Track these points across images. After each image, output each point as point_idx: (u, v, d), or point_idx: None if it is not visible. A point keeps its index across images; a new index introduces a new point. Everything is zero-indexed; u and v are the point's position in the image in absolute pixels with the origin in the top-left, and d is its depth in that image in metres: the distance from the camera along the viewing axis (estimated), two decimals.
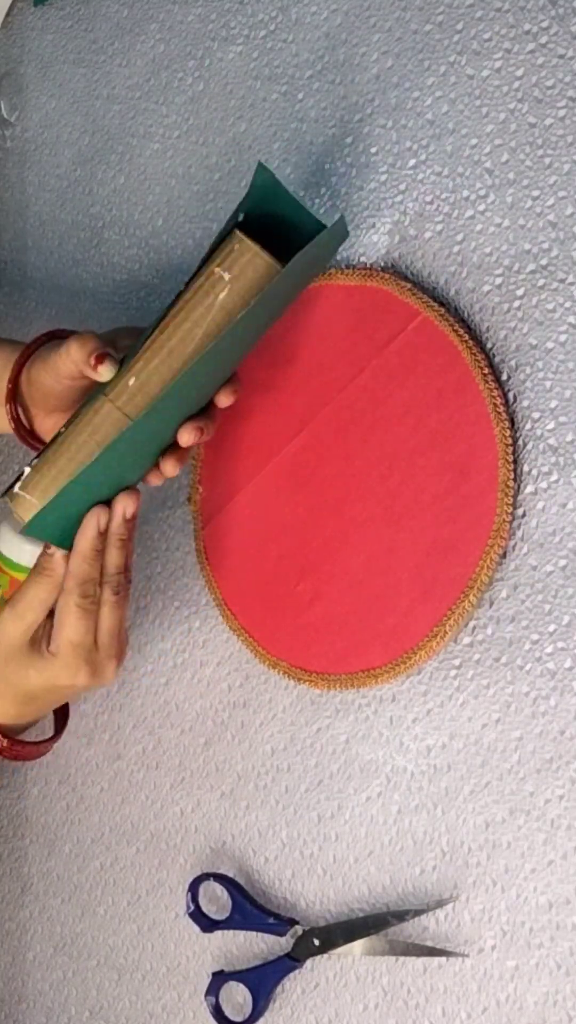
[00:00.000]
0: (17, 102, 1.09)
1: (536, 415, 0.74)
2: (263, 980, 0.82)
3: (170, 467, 0.78)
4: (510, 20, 0.77)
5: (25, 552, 0.94)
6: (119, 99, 1.00)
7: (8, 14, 1.09)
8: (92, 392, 0.78)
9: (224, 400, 0.78)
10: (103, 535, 0.76)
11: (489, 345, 0.76)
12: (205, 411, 0.78)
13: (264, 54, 0.90)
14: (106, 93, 1.02)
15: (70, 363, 0.77)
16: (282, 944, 0.82)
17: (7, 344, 0.87)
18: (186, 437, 0.76)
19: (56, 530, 0.76)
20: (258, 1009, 0.82)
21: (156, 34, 0.98)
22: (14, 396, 0.85)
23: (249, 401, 0.83)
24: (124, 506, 0.76)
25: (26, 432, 0.86)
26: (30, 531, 0.75)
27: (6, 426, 0.87)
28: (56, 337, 0.85)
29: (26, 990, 1.00)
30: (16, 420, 0.85)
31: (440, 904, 0.75)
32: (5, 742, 0.82)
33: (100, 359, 0.75)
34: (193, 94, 0.95)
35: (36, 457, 0.77)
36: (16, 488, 0.77)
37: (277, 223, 0.74)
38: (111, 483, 0.76)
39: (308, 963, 0.81)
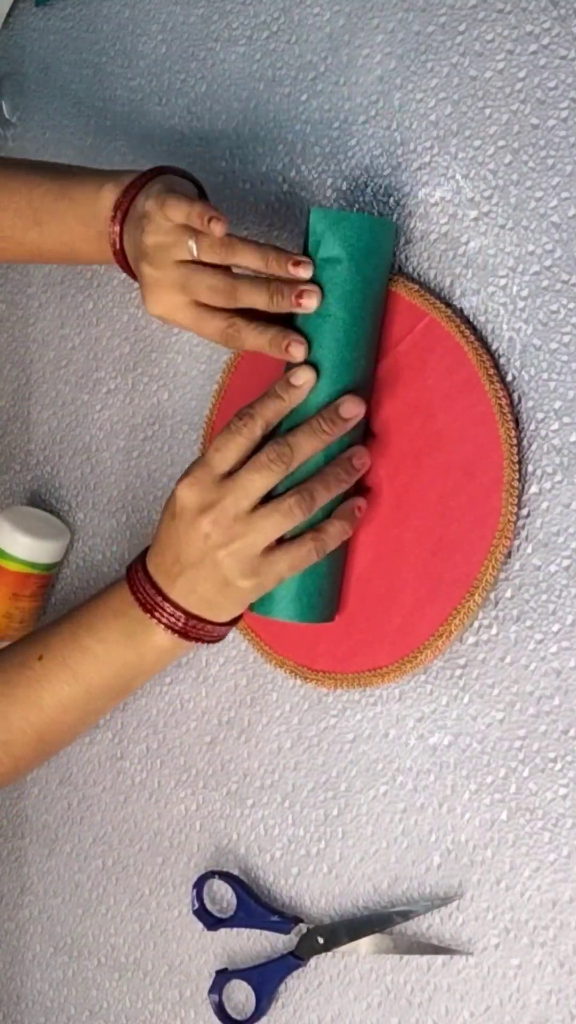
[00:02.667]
0: (19, 102, 1.09)
1: (541, 416, 0.74)
2: (266, 978, 0.82)
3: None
4: (512, 21, 0.77)
5: (20, 544, 0.95)
6: (121, 100, 1.00)
7: (9, 14, 1.09)
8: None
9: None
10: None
11: (495, 346, 0.76)
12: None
13: (267, 55, 0.90)
14: (108, 94, 1.02)
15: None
16: (286, 942, 0.83)
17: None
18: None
19: None
20: (261, 1007, 0.82)
21: (158, 35, 0.98)
22: (122, 220, 0.83)
23: None
24: (340, 403, 0.76)
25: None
26: None
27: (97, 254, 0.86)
28: (171, 172, 0.83)
29: (26, 989, 1.00)
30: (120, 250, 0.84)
31: (444, 902, 0.76)
32: (185, 620, 0.78)
33: (290, 343, 0.76)
34: (195, 95, 0.95)
35: None
36: None
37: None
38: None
39: (312, 961, 0.81)
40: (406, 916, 0.77)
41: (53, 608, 1.01)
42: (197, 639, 0.78)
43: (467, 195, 0.78)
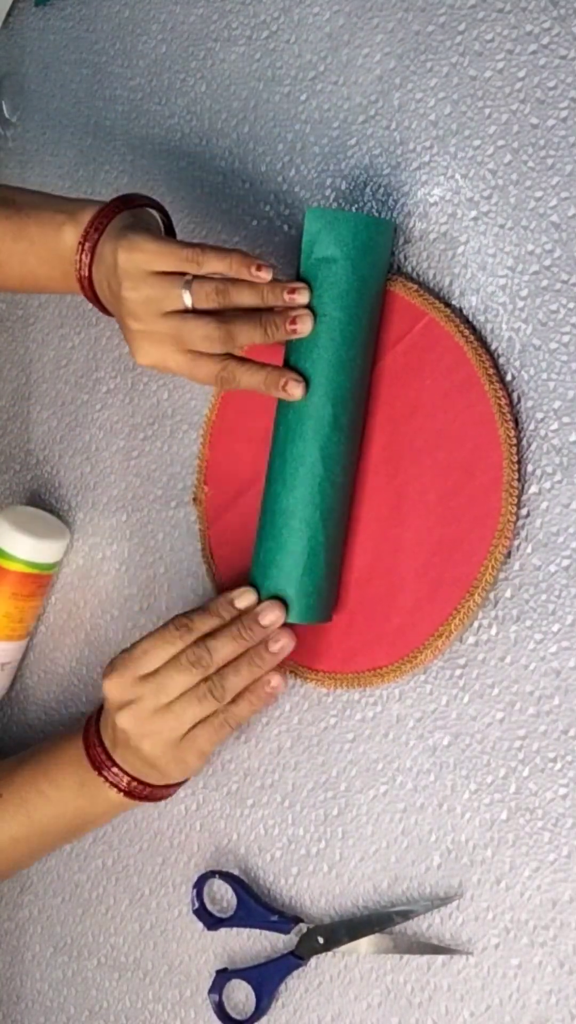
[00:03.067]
0: (18, 102, 1.08)
1: (540, 415, 0.74)
2: (267, 978, 0.82)
3: None
4: (512, 21, 0.77)
5: (20, 543, 0.95)
6: (121, 100, 1.00)
7: (9, 14, 1.09)
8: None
9: None
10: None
11: (494, 346, 0.76)
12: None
13: (266, 55, 0.90)
14: (108, 94, 1.02)
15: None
16: (286, 942, 0.83)
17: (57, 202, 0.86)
18: None
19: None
20: (261, 1007, 0.82)
21: (158, 34, 0.98)
22: (89, 262, 0.82)
23: (256, 401, 0.83)
24: (260, 611, 0.78)
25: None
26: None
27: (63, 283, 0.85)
28: (133, 205, 0.83)
29: (25, 990, 1.00)
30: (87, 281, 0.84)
31: (444, 902, 0.76)
32: (128, 781, 0.82)
33: (288, 383, 0.76)
34: (195, 95, 0.95)
35: None
36: None
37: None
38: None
39: (312, 961, 0.81)
40: (406, 916, 0.77)
41: (53, 608, 1.01)
42: (142, 798, 0.82)
43: (466, 195, 0.78)
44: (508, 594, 0.75)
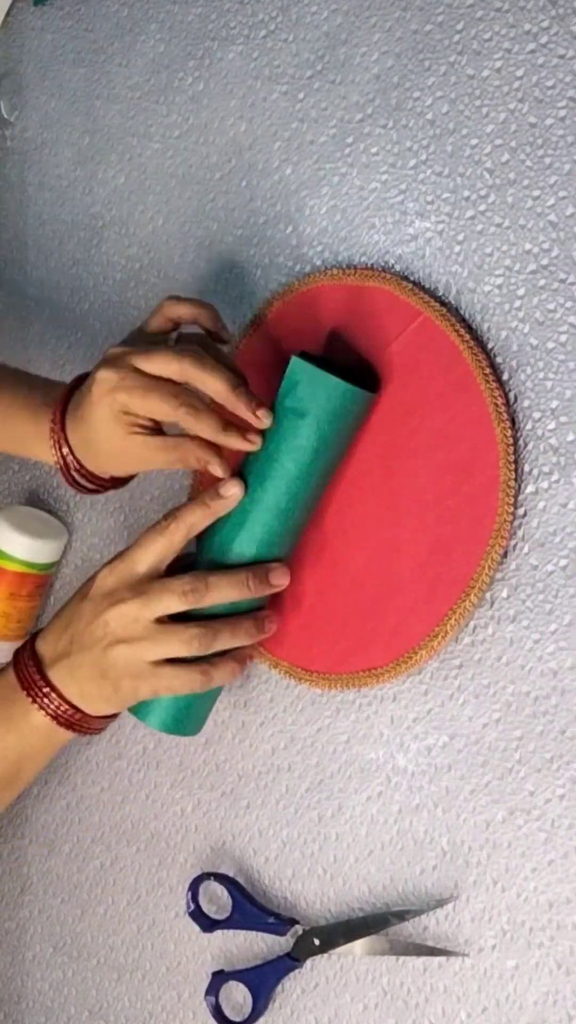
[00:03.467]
0: (17, 102, 1.08)
1: (537, 415, 0.74)
2: (263, 980, 0.82)
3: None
4: (510, 20, 0.77)
5: (17, 543, 0.95)
6: (119, 99, 1.00)
7: (8, 14, 1.09)
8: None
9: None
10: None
11: (490, 345, 0.76)
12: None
13: (264, 54, 0.90)
14: (106, 93, 1.02)
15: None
16: (282, 944, 0.82)
17: (27, 385, 0.87)
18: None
19: None
20: (258, 1009, 0.82)
21: (156, 34, 0.98)
22: (63, 428, 0.84)
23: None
24: (273, 569, 0.79)
25: (77, 473, 0.85)
26: None
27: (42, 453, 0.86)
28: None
29: (25, 990, 1.00)
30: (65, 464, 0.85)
31: (440, 904, 0.75)
32: (58, 704, 0.80)
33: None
34: (193, 94, 0.95)
35: None
36: None
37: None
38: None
39: (308, 963, 0.81)
40: (402, 917, 0.76)
41: (52, 608, 1.01)
42: (69, 726, 0.80)
43: (463, 193, 0.78)
44: (505, 594, 0.74)
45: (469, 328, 0.76)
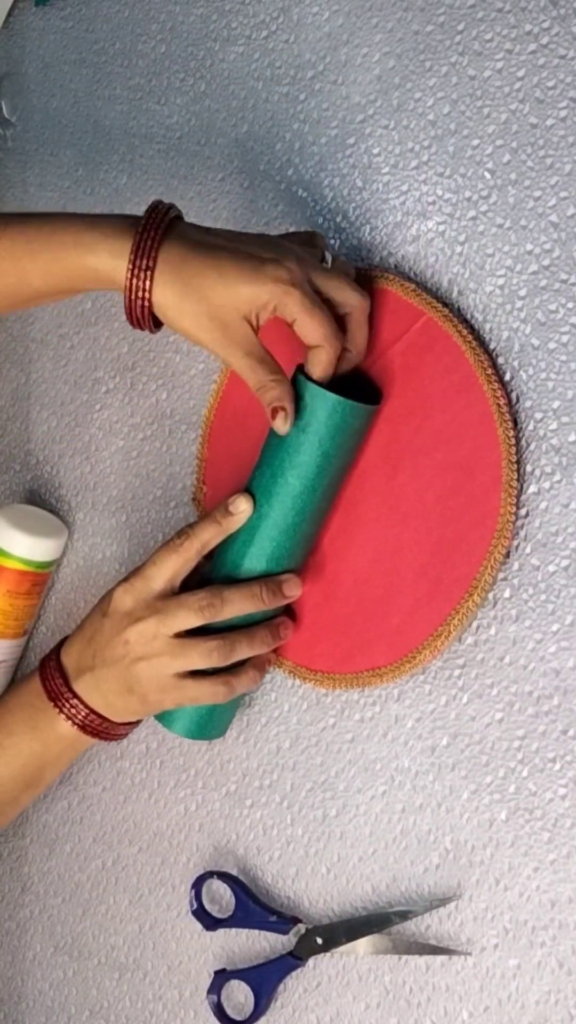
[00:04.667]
0: (18, 102, 1.08)
1: (539, 415, 0.74)
2: (265, 979, 0.82)
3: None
4: (511, 21, 0.77)
5: (16, 542, 0.95)
6: (120, 99, 1.00)
7: (9, 14, 1.09)
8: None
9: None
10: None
11: (492, 346, 0.76)
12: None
13: (266, 55, 0.90)
14: (107, 93, 1.02)
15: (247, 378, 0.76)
16: (284, 943, 0.82)
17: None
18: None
19: None
20: (260, 1008, 0.82)
21: (157, 34, 0.98)
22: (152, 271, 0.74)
23: (255, 403, 0.83)
24: (286, 581, 0.80)
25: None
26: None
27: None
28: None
29: (26, 989, 1.00)
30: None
31: (443, 903, 0.76)
32: (85, 714, 0.82)
33: (276, 412, 0.75)
34: (195, 94, 0.95)
35: None
36: None
37: None
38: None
39: (311, 962, 0.81)
40: (405, 916, 0.76)
41: (52, 607, 1.01)
42: (95, 734, 0.83)
43: (465, 194, 0.78)
44: (507, 594, 0.75)
45: (471, 329, 0.76)
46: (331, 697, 0.82)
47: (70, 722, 0.82)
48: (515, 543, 0.74)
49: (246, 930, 0.85)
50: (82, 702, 0.81)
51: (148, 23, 0.99)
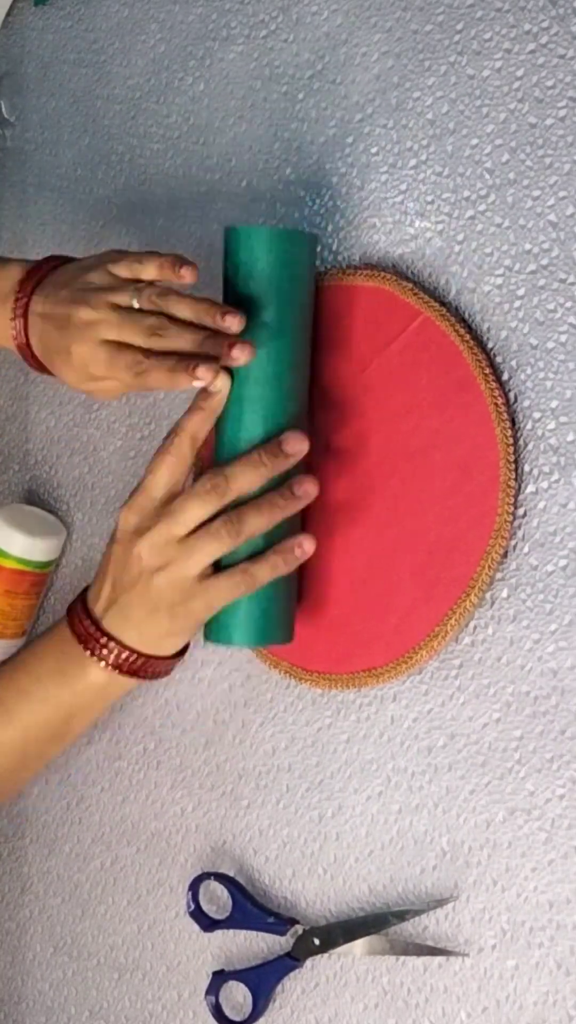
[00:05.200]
0: (17, 102, 1.09)
1: (537, 415, 0.74)
2: (263, 979, 0.82)
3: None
4: (510, 20, 0.77)
5: (15, 541, 0.95)
6: (119, 99, 1.00)
7: (8, 14, 1.09)
8: None
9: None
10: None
11: (490, 345, 0.76)
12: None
13: (265, 54, 0.90)
14: (106, 93, 1.02)
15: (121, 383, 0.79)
16: (282, 943, 0.82)
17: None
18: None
19: None
20: (258, 1009, 0.82)
21: (156, 34, 0.98)
22: (25, 313, 0.84)
23: None
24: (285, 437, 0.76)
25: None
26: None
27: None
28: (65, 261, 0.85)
29: (26, 989, 1.00)
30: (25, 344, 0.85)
31: (440, 903, 0.75)
32: (119, 652, 0.78)
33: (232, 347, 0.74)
34: (194, 94, 0.95)
35: None
36: None
37: None
38: None
39: (308, 962, 0.81)
40: (402, 917, 0.76)
41: (51, 607, 1.01)
42: (132, 673, 0.79)
43: (463, 193, 0.78)
44: (505, 594, 0.74)
45: (469, 328, 0.76)
46: (328, 698, 0.82)
47: (103, 663, 0.78)
48: (513, 543, 0.74)
49: (244, 931, 0.85)
50: (115, 640, 0.77)
51: (147, 23, 0.99)
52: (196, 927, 0.86)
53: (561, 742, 0.72)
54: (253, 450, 0.75)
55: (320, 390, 0.81)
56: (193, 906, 0.86)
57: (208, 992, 0.85)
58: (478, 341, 0.76)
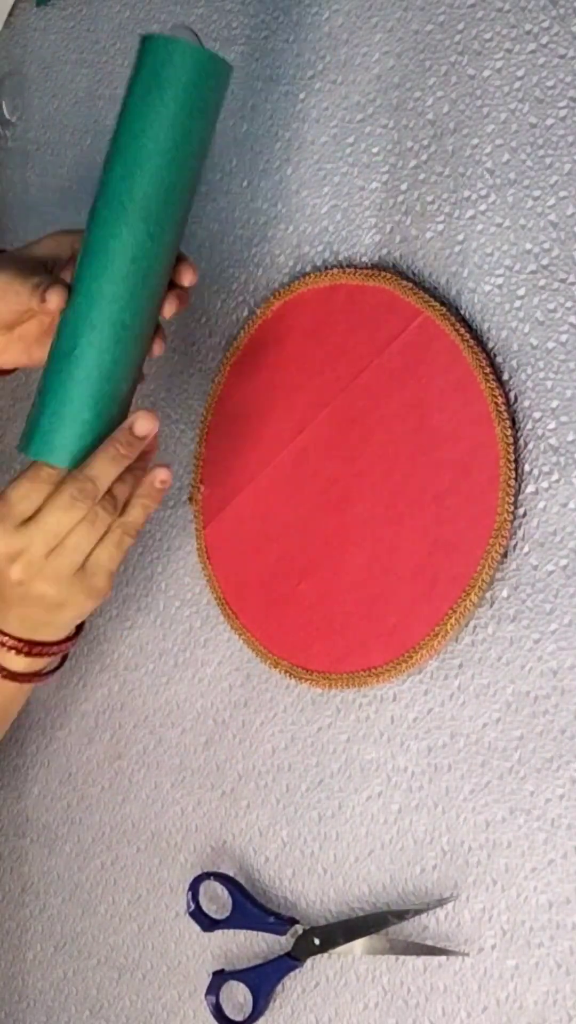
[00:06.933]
0: (19, 102, 1.09)
1: (537, 415, 0.74)
2: (263, 979, 0.82)
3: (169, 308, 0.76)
4: (511, 20, 0.77)
5: None
6: (120, 99, 1.00)
7: (10, 14, 1.09)
8: None
9: (188, 278, 0.76)
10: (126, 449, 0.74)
11: (490, 345, 0.76)
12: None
13: (266, 54, 0.90)
14: (108, 93, 1.02)
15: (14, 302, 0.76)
16: (282, 943, 0.82)
17: None
18: (187, 276, 0.75)
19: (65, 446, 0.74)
20: (258, 1008, 0.82)
21: None
22: None
23: (251, 401, 0.83)
24: (134, 421, 0.74)
25: None
26: (35, 450, 0.74)
27: None
28: None
29: (26, 989, 1.00)
30: None
31: (440, 903, 0.75)
32: (14, 643, 0.77)
33: (47, 289, 0.74)
34: None
35: None
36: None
37: None
38: (109, 367, 0.74)
39: (308, 962, 0.81)
40: (402, 917, 0.76)
41: None
42: (14, 678, 0.80)
43: (464, 193, 0.78)
44: (505, 594, 0.74)
45: (469, 328, 0.76)
46: (327, 697, 0.82)
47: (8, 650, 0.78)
48: (513, 543, 0.74)
49: (244, 931, 0.85)
50: (8, 635, 0.77)
51: (149, 23, 0.99)
52: (196, 927, 0.86)
53: (561, 742, 0.72)
54: (108, 444, 0.74)
55: (320, 390, 0.81)
56: (193, 906, 0.86)
57: (208, 992, 0.85)
58: (478, 341, 0.76)
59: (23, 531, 0.73)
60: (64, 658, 0.85)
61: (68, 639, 0.81)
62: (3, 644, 0.78)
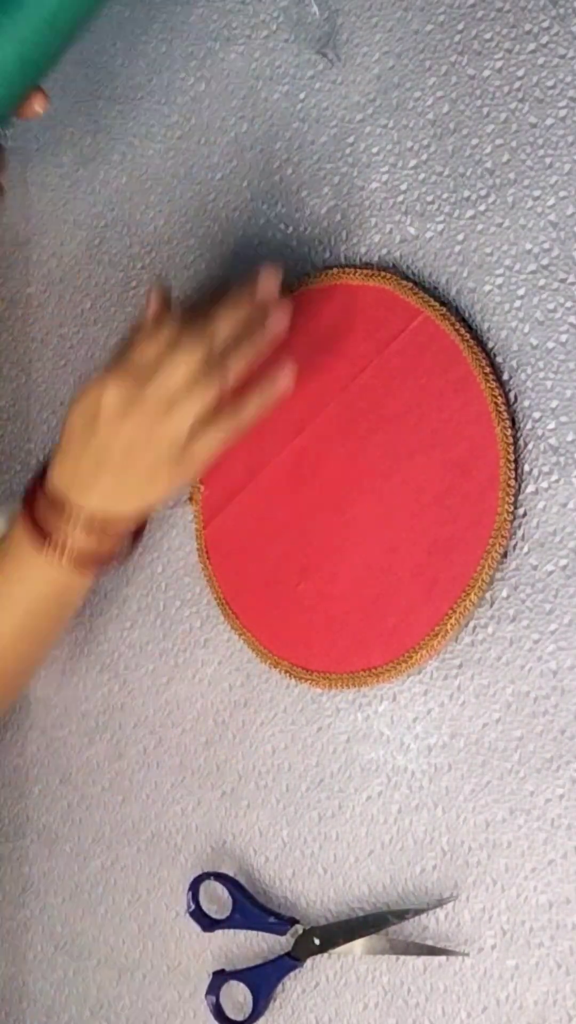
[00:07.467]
0: None
1: (537, 415, 0.74)
2: (263, 979, 0.82)
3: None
4: (511, 20, 0.77)
5: None
6: (121, 99, 1.00)
7: None
8: None
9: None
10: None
11: (490, 345, 0.76)
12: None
13: (266, 54, 0.90)
14: (107, 93, 1.02)
15: None
16: (282, 943, 0.82)
17: None
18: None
19: None
20: (258, 1008, 0.82)
21: (158, 34, 0.98)
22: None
23: None
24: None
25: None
26: None
27: None
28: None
29: (26, 989, 1.00)
30: None
31: (440, 903, 0.75)
32: (93, 519, 0.76)
33: None
34: (195, 94, 0.95)
35: None
36: None
37: None
38: None
39: (308, 962, 0.81)
40: (402, 917, 0.76)
41: None
42: (82, 564, 0.79)
43: (464, 193, 0.78)
44: (504, 594, 0.74)
45: (469, 327, 0.76)
46: (327, 697, 0.82)
47: (57, 553, 0.78)
48: (512, 543, 0.74)
49: (244, 931, 0.85)
50: (74, 512, 0.77)
51: (148, 22, 0.99)
52: (196, 927, 0.86)
53: (561, 742, 0.72)
54: (232, 293, 0.75)
55: (320, 389, 0.81)
56: (193, 906, 0.86)
57: (208, 992, 0.85)
58: (478, 341, 0.76)
59: (140, 383, 0.74)
60: (119, 555, 0.82)
61: (133, 533, 0.80)
62: (76, 518, 0.77)
